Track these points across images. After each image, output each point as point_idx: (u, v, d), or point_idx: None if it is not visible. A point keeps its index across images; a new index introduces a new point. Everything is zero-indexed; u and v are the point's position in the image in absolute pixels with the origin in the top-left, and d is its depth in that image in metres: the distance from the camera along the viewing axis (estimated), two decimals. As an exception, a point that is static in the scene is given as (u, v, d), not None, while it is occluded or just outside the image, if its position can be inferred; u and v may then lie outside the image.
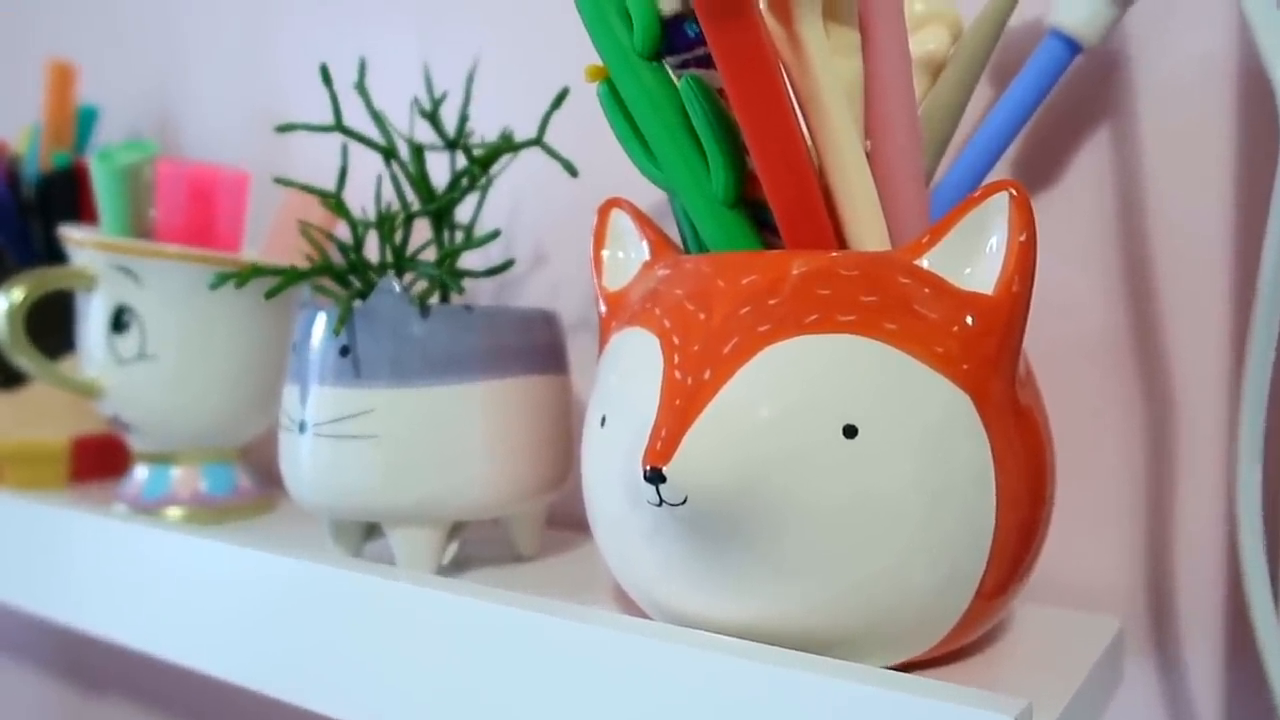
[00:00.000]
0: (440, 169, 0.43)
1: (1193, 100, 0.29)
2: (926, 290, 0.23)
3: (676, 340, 0.23)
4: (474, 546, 0.37)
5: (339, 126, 0.33)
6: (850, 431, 0.21)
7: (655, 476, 0.21)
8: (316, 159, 0.51)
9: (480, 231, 0.35)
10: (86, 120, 0.54)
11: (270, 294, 0.31)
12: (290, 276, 0.32)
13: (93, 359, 0.40)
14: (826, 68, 0.24)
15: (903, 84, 0.25)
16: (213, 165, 0.43)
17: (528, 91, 0.42)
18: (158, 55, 0.61)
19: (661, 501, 0.21)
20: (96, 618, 0.36)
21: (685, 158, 0.25)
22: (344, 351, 0.31)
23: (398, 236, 0.33)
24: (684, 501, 0.21)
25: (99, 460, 0.50)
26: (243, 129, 0.56)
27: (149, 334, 0.39)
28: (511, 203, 0.44)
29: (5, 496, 0.40)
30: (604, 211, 0.29)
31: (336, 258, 0.43)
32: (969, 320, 0.22)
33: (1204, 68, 0.29)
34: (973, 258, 0.23)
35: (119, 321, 0.39)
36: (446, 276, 0.31)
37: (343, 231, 0.45)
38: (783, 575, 0.22)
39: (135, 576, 0.35)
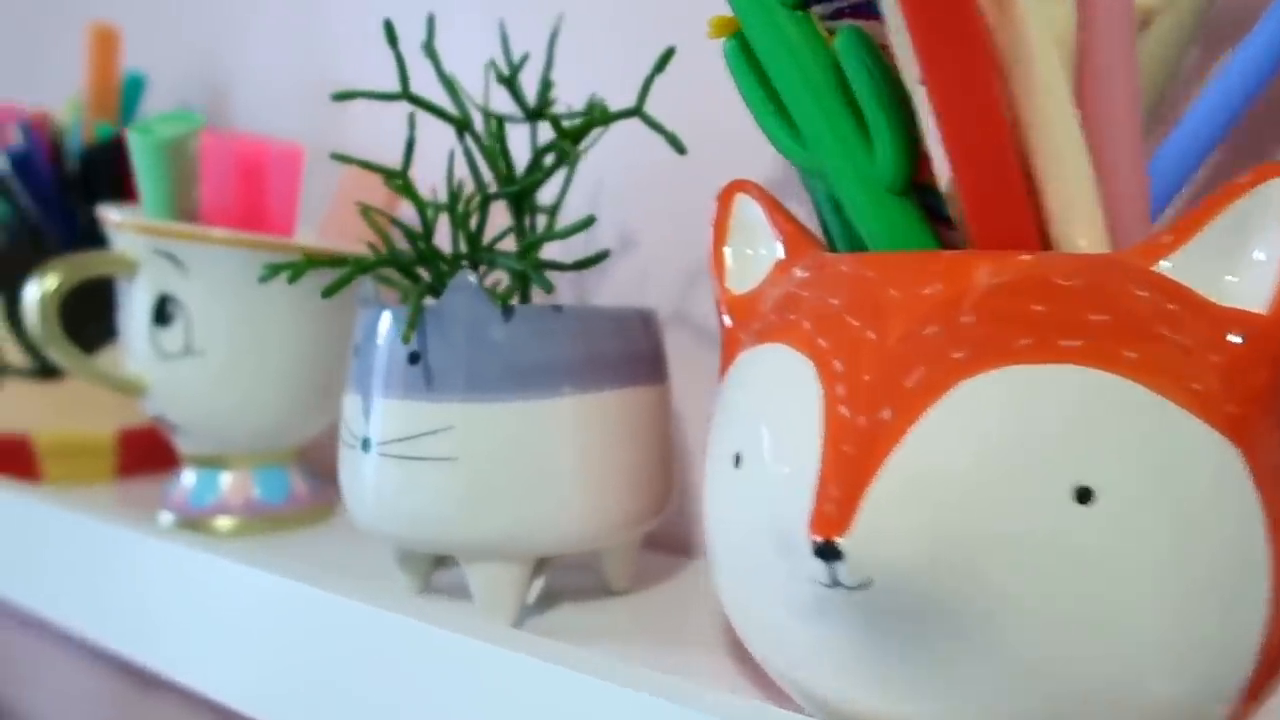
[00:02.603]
0: (516, 144, 0.38)
1: None
2: (1172, 306, 0.17)
3: (839, 366, 0.18)
4: (556, 575, 0.33)
5: (406, 94, 0.28)
6: (1084, 495, 0.16)
7: (829, 552, 0.16)
8: (377, 132, 0.46)
9: (563, 215, 0.31)
10: (133, 89, 0.51)
11: (328, 292, 0.27)
12: (351, 270, 0.27)
13: (135, 353, 0.37)
14: (1033, 13, 0.18)
15: (1122, 36, 0.20)
16: (263, 138, 0.38)
17: (618, 53, 0.37)
18: (208, 19, 0.57)
19: (835, 583, 0.16)
20: (132, 640, 0.33)
21: (838, 131, 0.20)
22: (414, 359, 0.26)
23: (473, 222, 0.28)
24: (865, 583, 0.16)
25: (148, 453, 0.46)
26: (298, 98, 0.52)
27: (195, 327, 0.35)
28: (593, 182, 0.39)
29: (44, 502, 0.37)
30: (726, 197, 0.24)
31: (399, 244, 0.39)
32: (1233, 347, 0.17)
33: None
34: (1235, 264, 0.17)
35: (162, 313, 0.36)
36: (532, 271, 0.26)
37: (406, 214, 0.40)
38: (985, 678, 0.17)
39: (173, 601, 0.31)
